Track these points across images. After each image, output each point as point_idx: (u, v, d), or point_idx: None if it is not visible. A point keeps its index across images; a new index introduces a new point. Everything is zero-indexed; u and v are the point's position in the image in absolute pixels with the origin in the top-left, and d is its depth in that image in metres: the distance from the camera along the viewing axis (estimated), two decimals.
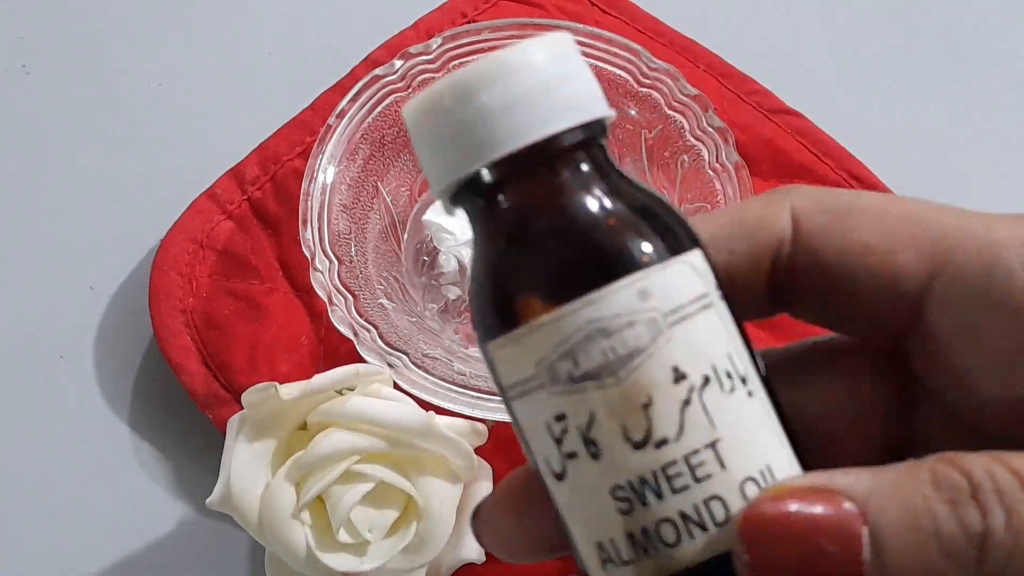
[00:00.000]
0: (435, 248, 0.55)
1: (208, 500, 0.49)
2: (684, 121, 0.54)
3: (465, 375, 0.51)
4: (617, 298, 0.24)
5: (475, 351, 0.53)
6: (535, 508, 0.28)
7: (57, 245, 0.58)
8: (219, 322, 0.55)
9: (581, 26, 0.55)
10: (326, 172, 0.53)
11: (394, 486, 0.48)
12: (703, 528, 0.24)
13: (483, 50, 0.54)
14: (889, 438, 0.28)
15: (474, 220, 0.27)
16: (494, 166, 0.26)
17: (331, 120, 0.53)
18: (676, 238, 0.25)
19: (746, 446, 0.25)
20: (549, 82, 0.26)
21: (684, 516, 0.24)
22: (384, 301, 0.53)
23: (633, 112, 0.55)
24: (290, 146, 0.58)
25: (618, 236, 0.25)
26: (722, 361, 0.25)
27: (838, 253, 0.26)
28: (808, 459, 0.26)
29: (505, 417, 0.49)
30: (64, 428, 0.55)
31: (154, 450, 0.55)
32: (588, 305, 0.24)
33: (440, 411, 0.49)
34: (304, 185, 0.53)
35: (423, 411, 0.49)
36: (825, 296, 0.27)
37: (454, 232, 0.54)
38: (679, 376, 0.24)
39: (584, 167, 0.26)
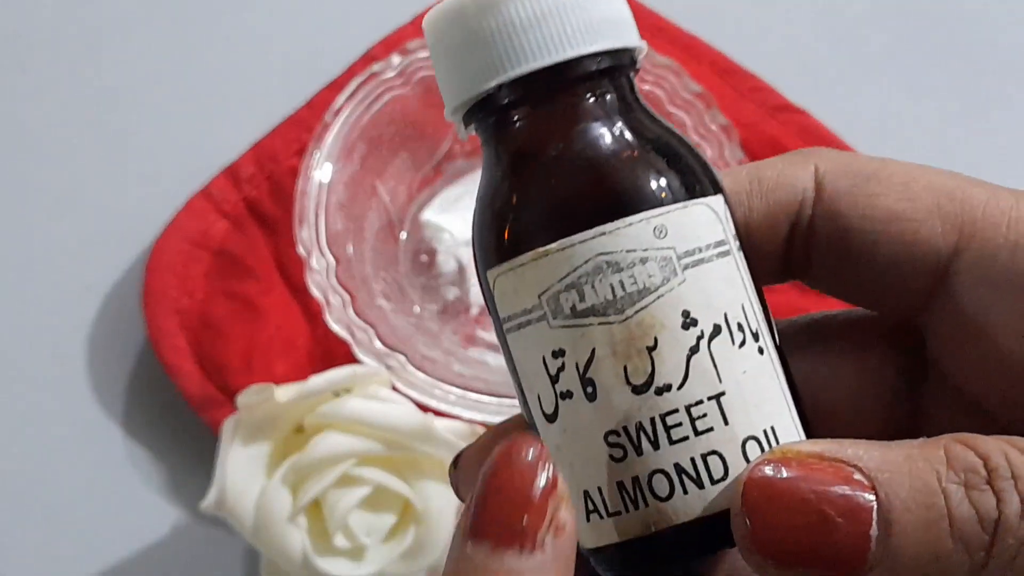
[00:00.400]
0: (434, 248, 0.55)
1: (203, 504, 0.49)
2: (687, 118, 0.54)
3: (464, 377, 0.50)
4: (632, 232, 0.24)
5: (474, 352, 0.53)
6: None
7: (51, 245, 0.57)
8: (214, 323, 0.54)
9: None
10: (323, 170, 0.52)
11: (392, 490, 0.48)
12: (699, 485, 0.23)
13: None
14: (893, 419, 0.28)
15: (487, 140, 0.26)
16: (514, 84, 0.25)
17: (328, 117, 0.53)
18: (699, 181, 0.25)
19: (752, 404, 0.24)
20: (580, 1, 0.25)
21: (680, 469, 0.23)
22: (382, 301, 0.52)
23: None
24: (287, 144, 0.57)
25: (639, 170, 0.24)
26: (735, 312, 0.24)
27: (861, 218, 0.25)
28: (813, 429, 0.25)
29: None
30: (57, 430, 0.55)
31: (148, 453, 0.54)
32: (600, 236, 0.24)
33: (439, 413, 0.49)
34: (300, 184, 0.52)
35: (421, 413, 0.49)
36: (843, 263, 0.26)
37: (453, 232, 0.54)
38: (689, 322, 0.24)
39: (609, 96, 0.25)
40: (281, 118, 0.58)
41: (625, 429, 0.24)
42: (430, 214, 0.55)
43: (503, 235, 0.25)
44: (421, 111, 0.55)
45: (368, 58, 0.58)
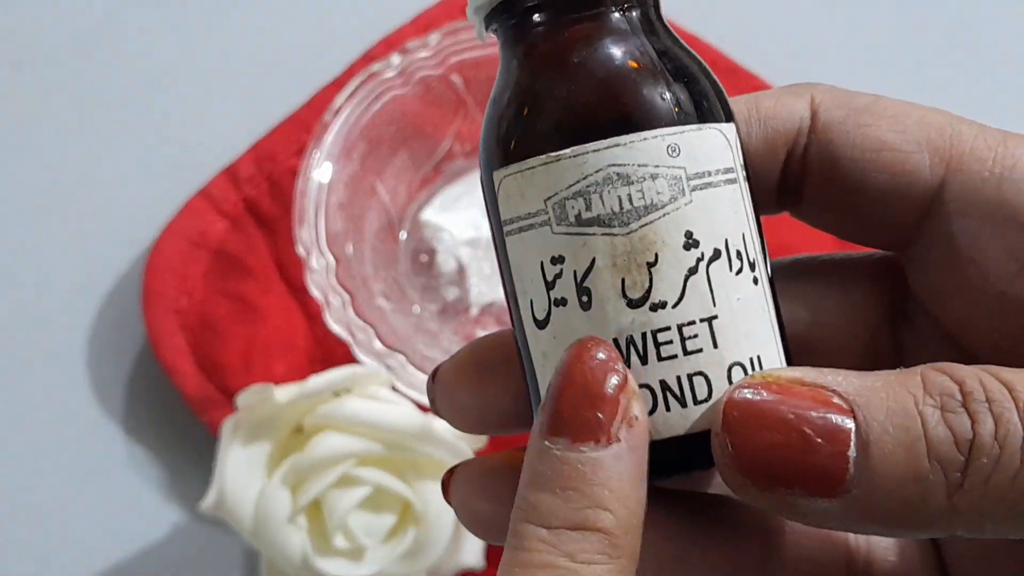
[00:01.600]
0: (433, 248, 0.54)
1: (202, 504, 0.49)
2: None
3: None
4: (646, 146, 0.24)
5: None
6: (498, 376, 0.27)
7: (50, 244, 0.57)
8: (213, 323, 0.54)
9: None
10: (322, 170, 0.52)
11: (392, 490, 0.48)
12: (682, 403, 0.24)
13: (483, 46, 0.54)
14: (874, 355, 0.28)
15: (506, 42, 0.26)
16: None
17: (327, 117, 0.53)
18: (714, 106, 0.25)
19: (741, 331, 0.24)
20: None
21: (665, 386, 0.24)
22: (382, 301, 0.52)
23: None
24: (286, 144, 0.57)
25: (659, 87, 0.25)
26: (736, 239, 0.24)
27: (852, 147, 0.26)
28: (795, 362, 0.25)
29: None
30: (56, 430, 0.55)
31: (147, 453, 0.54)
32: (614, 147, 0.24)
33: None
34: (300, 184, 0.52)
35: (421, 414, 0.49)
36: (834, 192, 0.27)
37: (452, 231, 0.54)
38: (691, 243, 0.24)
39: (635, 12, 0.25)
40: (280, 118, 0.58)
41: (615, 341, 0.24)
42: (430, 214, 0.55)
43: (514, 137, 0.25)
44: (421, 111, 0.55)
45: (368, 58, 0.58)
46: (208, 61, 0.61)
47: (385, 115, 0.54)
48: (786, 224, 0.30)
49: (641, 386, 0.24)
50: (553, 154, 0.24)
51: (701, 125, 0.24)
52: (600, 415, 0.23)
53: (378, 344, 0.50)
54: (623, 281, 0.24)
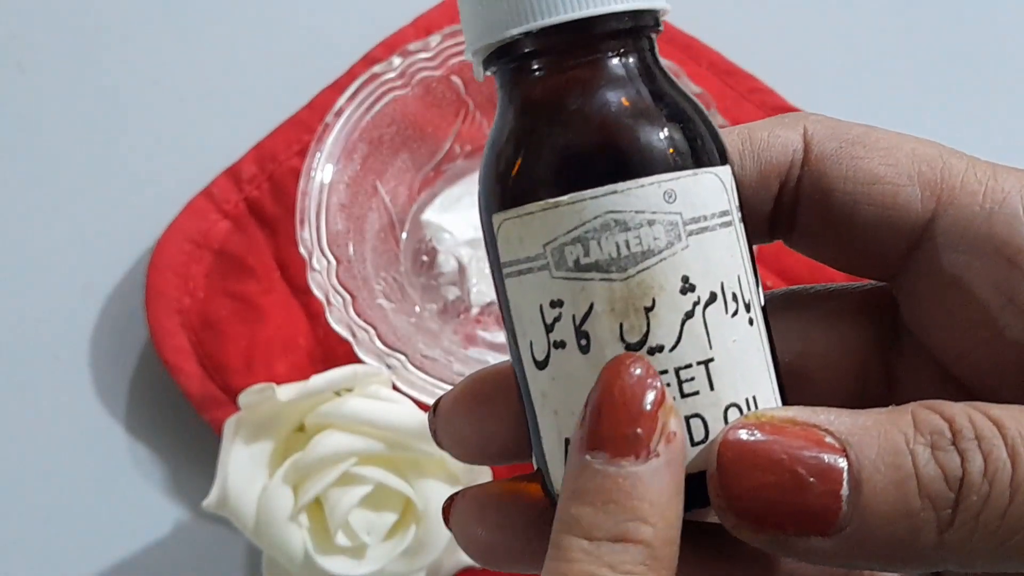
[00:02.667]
0: (434, 248, 0.55)
1: (204, 502, 0.49)
2: None
3: (464, 376, 0.50)
4: (643, 193, 0.24)
5: (474, 352, 0.53)
6: (497, 408, 0.28)
7: (53, 244, 0.57)
8: (216, 323, 0.55)
9: None
10: (324, 171, 0.53)
11: (393, 489, 0.48)
12: None
13: None
14: (867, 385, 0.28)
15: (504, 85, 0.26)
16: (539, 34, 0.25)
17: (329, 118, 0.53)
18: (710, 150, 0.25)
19: (737, 372, 0.24)
20: None
21: None
22: (383, 301, 0.53)
23: None
24: (287, 145, 0.57)
25: (655, 133, 0.25)
26: (731, 282, 0.25)
27: (844, 180, 0.26)
28: (790, 399, 0.26)
29: None
30: (59, 429, 0.55)
31: (150, 452, 0.54)
32: (612, 194, 0.24)
33: None
34: (301, 184, 0.52)
35: (422, 413, 0.49)
36: (826, 223, 0.27)
37: (453, 232, 0.54)
38: (687, 287, 0.24)
39: (631, 57, 0.25)
40: (282, 119, 0.58)
41: None
42: (431, 214, 0.55)
43: (513, 181, 0.25)
44: (422, 112, 0.55)
45: (369, 59, 0.58)
46: (210, 62, 0.61)
47: (386, 116, 0.54)
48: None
49: None
50: (551, 200, 0.24)
51: (697, 170, 0.25)
52: (639, 430, 0.23)
53: (379, 344, 0.50)
54: (621, 325, 0.24)
